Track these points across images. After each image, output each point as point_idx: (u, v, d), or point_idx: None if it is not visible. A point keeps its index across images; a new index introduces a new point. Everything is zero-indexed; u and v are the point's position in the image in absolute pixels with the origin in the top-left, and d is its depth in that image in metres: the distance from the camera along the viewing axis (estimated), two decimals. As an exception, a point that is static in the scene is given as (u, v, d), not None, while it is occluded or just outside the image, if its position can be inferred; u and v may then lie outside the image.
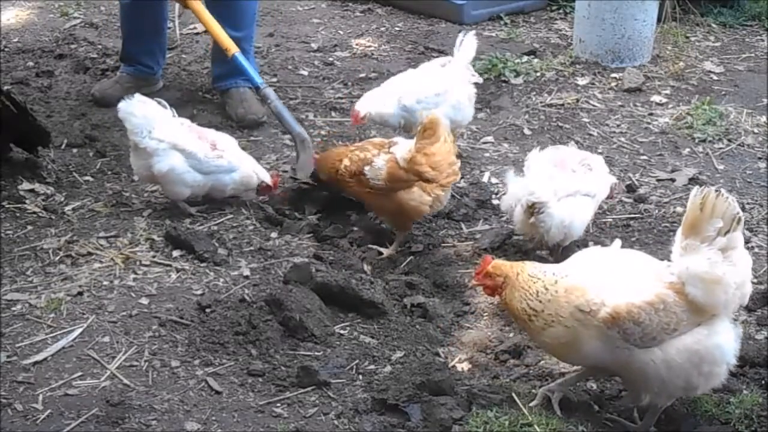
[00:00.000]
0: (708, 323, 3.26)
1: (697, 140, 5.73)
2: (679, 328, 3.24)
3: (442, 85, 5.17)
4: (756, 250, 4.64)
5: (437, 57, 5.92)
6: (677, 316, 3.24)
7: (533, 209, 4.23)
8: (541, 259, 4.19)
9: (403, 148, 4.46)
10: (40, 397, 3.59)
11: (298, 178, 5.01)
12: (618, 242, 3.66)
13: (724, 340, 3.27)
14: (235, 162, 4.79)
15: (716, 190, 3.15)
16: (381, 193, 4.47)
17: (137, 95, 4.73)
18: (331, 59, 6.77)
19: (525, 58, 6.76)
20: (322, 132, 5.70)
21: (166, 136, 4.66)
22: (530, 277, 3.40)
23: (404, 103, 5.13)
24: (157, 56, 6.10)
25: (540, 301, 3.34)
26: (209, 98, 6.11)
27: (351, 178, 4.52)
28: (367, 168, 4.46)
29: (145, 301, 4.15)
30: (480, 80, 5.37)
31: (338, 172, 4.56)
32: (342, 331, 4.02)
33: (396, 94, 5.17)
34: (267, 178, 4.85)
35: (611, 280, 3.31)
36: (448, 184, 4.49)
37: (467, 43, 5.25)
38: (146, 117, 4.66)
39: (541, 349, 3.93)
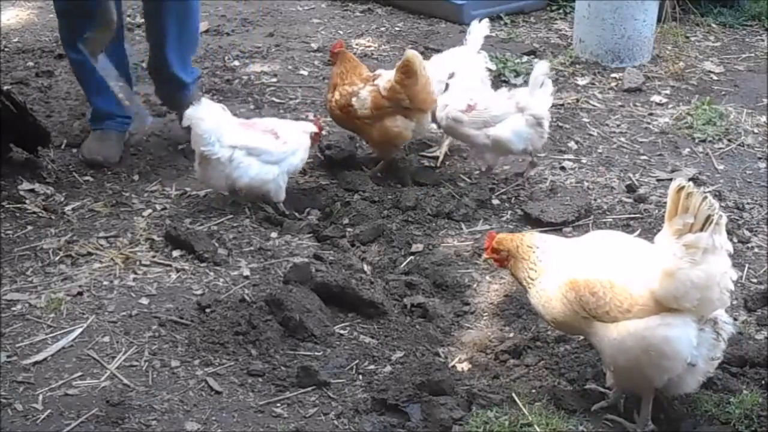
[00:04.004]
0: (665, 315, 3.26)
1: (697, 140, 5.73)
2: (632, 309, 3.28)
3: (445, 73, 5.26)
4: (756, 250, 4.64)
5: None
6: (632, 298, 3.27)
7: None
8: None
9: (384, 80, 4.99)
10: (40, 397, 3.59)
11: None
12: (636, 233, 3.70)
13: (675, 335, 3.25)
14: (295, 143, 4.81)
15: (697, 186, 3.16)
16: (368, 123, 5.00)
17: (204, 99, 4.73)
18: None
19: (525, 58, 6.76)
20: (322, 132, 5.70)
21: (239, 140, 4.63)
22: (528, 247, 3.57)
23: None
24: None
25: (535, 271, 3.52)
26: (209, 98, 6.08)
27: (341, 111, 5.05)
28: (354, 99, 4.99)
29: (145, 301, 4.15)
30: (493, 66, 5.46)
31: (330, 106, 5.12)
32: (342, 331, 4.02)
33: None
34: (313, 128, 4.95)
35: (595, 258, 3.42)
36: (426, 109, 4.99)
37: (477, 30, 5.35)
38: (216, 122, 4.61)
39: (541, 348, 3.94)
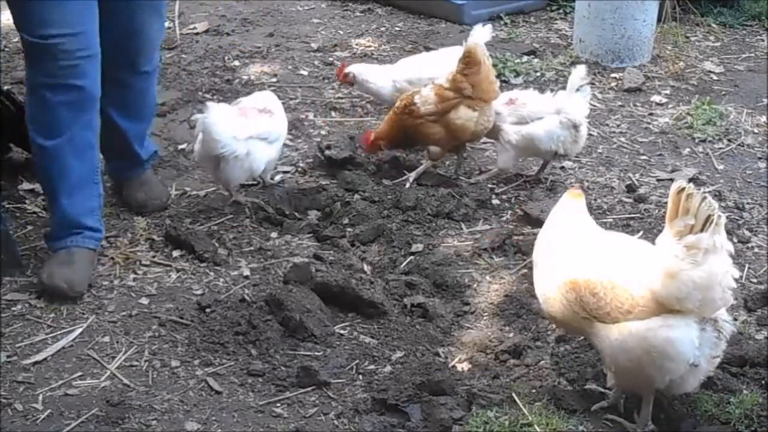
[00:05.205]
0: (667, 316, 3.25)
1: (697, 140, 5.73)
2: (633, 311, 3.28)
3: (437, 71, 5.32)
4: (756, 250, 4.64)
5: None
6: (633, 299, 3.28)
7: None
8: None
9: (444, 77, 5.04)
10: (40, 397, 3.59)
11: None
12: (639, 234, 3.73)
13: (678, 337, 3.24)
14: (283, 118, 4.91)
15: (697, 188, 3.17)
16: (432, 120, 4.98)
17: (210, 104, 4.64)
18: (331, 59, 6.76)
19: (525, 58, 6.76)
20: (322, 132, 5.71)
21: (251, 131, 4.67)
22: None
23: (396, 83, 5.51)
24: (99, 212, 4.40)
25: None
26: (209, 98, 6.10)
27: (404, 114, 5.03)
28: (416, 98, 5.01)
29: (145, 301, 4.15)
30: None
31: (392, 117, 5.08)
32: (342, 331, 4.02)
33: (392, 73, 5.56)
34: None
35: (596, 258, 3.43)
36: (489, 99, 4.97)
37: (478, 34, 5.35)
38: (227, 122, 4.60)
39: (541, 348, 3.94)
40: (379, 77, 5.63)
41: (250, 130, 4.66)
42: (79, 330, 3.95)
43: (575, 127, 4.97)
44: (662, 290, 3.23)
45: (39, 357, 3.80)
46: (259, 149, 4.69)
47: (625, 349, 3.31)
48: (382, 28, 7.38)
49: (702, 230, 3.14)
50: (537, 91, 5.30)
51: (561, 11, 7.71)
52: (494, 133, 5.12)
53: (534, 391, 3.68)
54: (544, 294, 3.54)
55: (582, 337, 3.77)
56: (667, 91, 6.38)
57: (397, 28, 7.38)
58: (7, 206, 4.75)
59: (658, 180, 5.27)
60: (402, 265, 4.47)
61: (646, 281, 3.27)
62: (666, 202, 5.01)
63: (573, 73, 5.05)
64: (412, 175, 5.10)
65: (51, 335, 3.92)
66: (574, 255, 3.49)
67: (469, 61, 4.91)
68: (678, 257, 3.18)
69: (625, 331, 3.30)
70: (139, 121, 4.82)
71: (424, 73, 5.49)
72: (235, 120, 4.67)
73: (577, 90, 4.98)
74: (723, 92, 6.40)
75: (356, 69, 5.66)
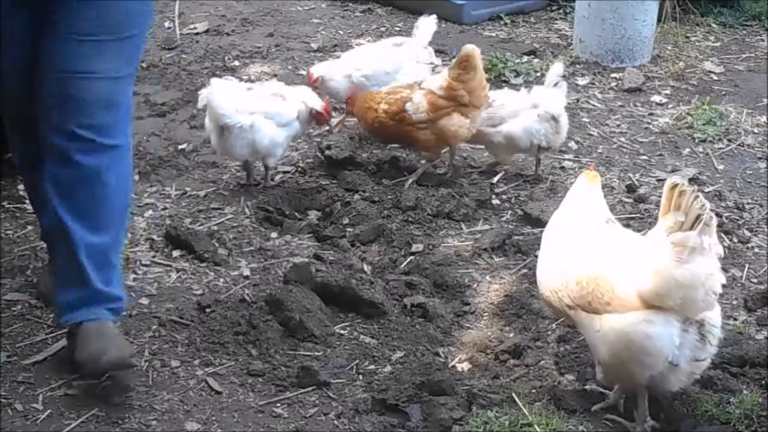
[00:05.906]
0: (648, 312, 3.25)
1: (697, 140, 5.73)
2: (612, 303, 3.29)
3: (393, 65, 5.45)
4: (756, 250, 4.64)
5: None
6: (613, 291, 3.29)
7: None
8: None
9: (435, 81, 4.95)
10: (40, 397, 3.59)
11: None
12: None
13: (657, 333, 3.24)
14: (296, 108, 4.93)
15: (696, 186, 3.18)
16: (423, 127, 4.91)
17: (213, 79, 4.83)
18: (331, 59, 6.76)
19: (525, 58, 6.75)
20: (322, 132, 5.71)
21: (256, 106, 4.77)
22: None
23: (354, 79, 5.45)
24: None
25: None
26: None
27: (393, 120, 4.94)
28: (408, 105, 4.90)
29: (145, 301, 4.15)
30: (437, 63, 5.56)
31: (376, 118, 4.97)
32: (342, 331, 4.02)
33: (348, 69, 5.49)
34: (318, 105, 5.00)
35: (588, 250, 3.47)
36: (480, 105, 4.92)
37: (424, 26, 5.48)
38: (230, 94, 4.73)
39: (541, 348, 3.94)
40: (336, 75, 5.48)
41: (255, 106, 4.78)
42: (79, 330, 3.95)
43: (554, 119, 4.99)
44: (644, 285, 3.24)
45: (39, 357, 3.79)
46: (265, 125, 4.78)
47: (607, 342, 3.33)
48: (382, 28, 7.38)
49: (691, 228, 3.13)
50: (512, 90, 5.32)
51: (561, 11, 7.70)
52: (477, 137, 5.11)
53: (534, 391, 3.68)
54: (540, 279, 3.60)
55: (582, 337, 3.77)
56: (667, 91, 6.38)
57: (397, 28, 7.37)
58: (7, 206, 4.76)
59: (658, 180, 5.27)
60: (402, 265, 4.47)
61: (630, 275, 3.28)
62: (666, 202, 5.04)
63: (550, 69, 5.10)
64: (411, 178, 5.09)
65: (51, 335, 3.92)
66: (571, 246, 3.52)
67: (466, 66, 4.85)
68: (662, 253, 3.18)
69: (607, 325, 3.31)
70: (95, 229, 3.44)
71: (369, 68, 5.47)
72: (241, 94, 4.82)
73: (555, 85, 5.01)
74: (723, 92, 6.40)
75: (321, 72, 5.49)
